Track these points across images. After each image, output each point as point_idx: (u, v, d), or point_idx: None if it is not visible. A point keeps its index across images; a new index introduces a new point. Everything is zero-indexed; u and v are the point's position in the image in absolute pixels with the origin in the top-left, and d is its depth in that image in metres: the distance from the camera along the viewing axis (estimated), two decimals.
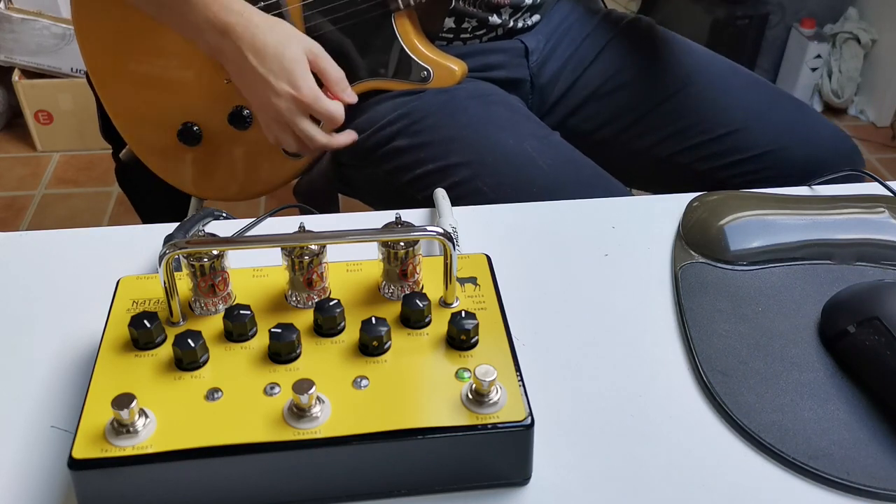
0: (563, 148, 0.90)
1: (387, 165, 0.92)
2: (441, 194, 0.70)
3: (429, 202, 0.71)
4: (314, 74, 0.85)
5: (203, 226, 0.68)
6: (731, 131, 0.95)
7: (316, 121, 0.87)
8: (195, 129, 0.96)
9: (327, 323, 0.51)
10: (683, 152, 0.97)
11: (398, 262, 0.54)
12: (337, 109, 0.86)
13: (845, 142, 0.95)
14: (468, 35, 0.97)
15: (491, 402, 0.47)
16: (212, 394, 0.47)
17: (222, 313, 0.52)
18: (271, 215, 0.70)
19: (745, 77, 1.00)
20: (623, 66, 1.01)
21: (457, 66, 0.93)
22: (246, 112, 0.95)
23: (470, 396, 0.47)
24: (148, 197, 1.10)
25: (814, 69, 2.39)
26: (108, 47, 0.95)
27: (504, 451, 0.48)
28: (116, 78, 0.96)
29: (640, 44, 1.02)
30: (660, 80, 0.99)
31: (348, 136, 0.91)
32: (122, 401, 0.44)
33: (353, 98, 0.89)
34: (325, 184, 1.02)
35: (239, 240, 0.54)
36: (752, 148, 0.94)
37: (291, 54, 0.82)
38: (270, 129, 0.88)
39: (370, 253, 0.56)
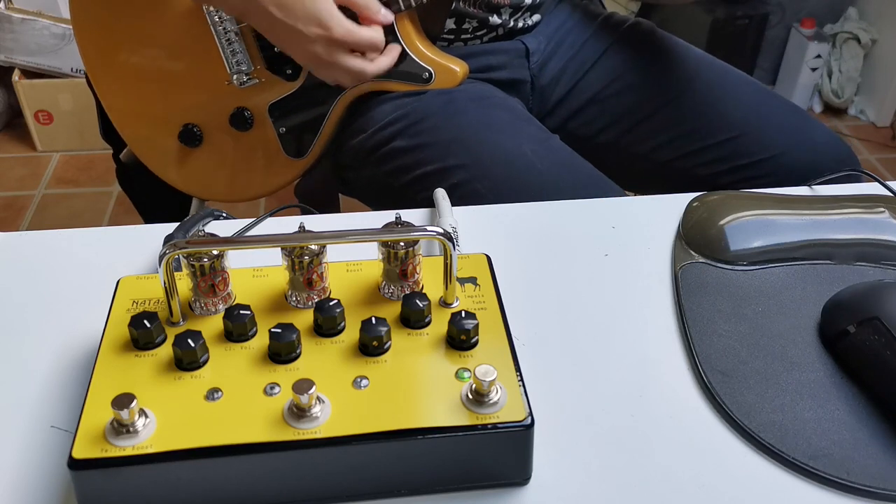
0: (562, 151, 0.90)
1: (386, 166, 0.92)
2: (441, 194, 0.70)
3: (428, 203, 0.71)
4: (344, 7, 0.83)
5: (203, 226, 0.68)
6: (731, 137, 0.95)
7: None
8: (196, 130, 0.96)
9: (327, 323, 0.51)
10: (683, 157, 0.97)
11: (398, 262, 0.54)
12: (374, 36, 0.85)
13: (842, 147, 0.96)
14: (469, 36, 0.97)
15: (491, 402, 0.47)
16: (212, 394, 0.47)
17: (222, 313, 0.52)
18: (271, 215, 0.70)
19: (743, 82, 1.00)
20: (624, 70, 1.01)
21: (458, 67, 0.92)
22: (247, 113, 0.95)
23: (470, 396, 0.47)
24: (149, 197, 1.10)
25: (814, 69, 2.39)
26: (107, 49, 0.95)
27: (504, 451, 0.48)
28: (116, 80, 0.96)
29: (640, 48, 1.02)
30: (660, 85, 0.99)
31: (391, 56, 0.89)
32: (122, 401, 0.44)
33: (388, 17, 0.87)
34: (326, 184, 1.02)
35: (239, 240, 0.54)
36: (751, 153, 0.94)
37: None
38: (319, 73, 0.88)
39: (370, 253, 0.56)
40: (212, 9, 0.90)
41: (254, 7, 0.82)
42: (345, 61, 0.84)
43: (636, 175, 1.02)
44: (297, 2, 0.81)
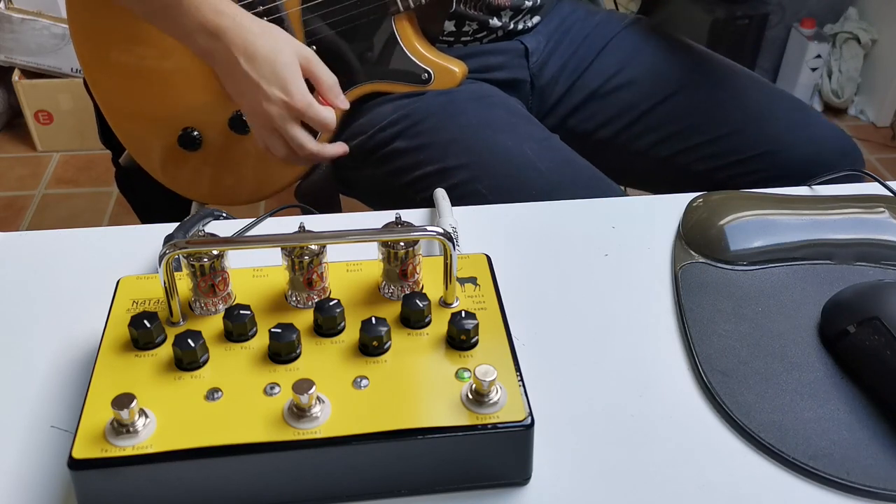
0: (562, 150, 0.90)
1: (386, 167, 0.92)
2: (441, 194, 0.70)
3: (428, 203, 0.71)
4: (307, 81, 0.84)
5: (203, 226, 0.68)
6: (731, 132, 0.95)
7: (308, 128, 0.86)
8: (195, 134, 0.96)
9: (327, 323, 0.51)
10: (683, 153, 0.97)
11: (398, 262, 0.54)
12: (329, 116, 0.84)
13: (845, 141, 0.95)
14: (468, 38, 0.97)
15: (491, 402, 0.47)
16: (212, 394, 0.47)
17: (222, 313, 0.52)
18: (271, 215, 0.70)
19: (744, 77, 1.00)
20: (623, 66, 1.01)
21: (457, 68, 0.92)
22: None
23: (470, 396, 0.47)
24: (148, 201, 1.10)
25: (814, 69, 2.39)
26: (104, 53, 0.94)
27: (504, 451, 0.48)
28: (114, 84, 0.96)
29: (640, 44, 1.02)
30: (660, 81, 0.99)
31: (339, 148, 0.90)
32: (122, 401, 0.44)
33: (345, 104, 0.87)
34: (327, 185, 1.02)
35: (239, 240, 0.54)
36: (751, 149, 0.94)
37: (284, 59, 0.81)
38: (260, 134, 0.87)
39: (370, 253, 0.56)
40: None
41: (222, 51, 0.81)
42: (293, 131, 0.84)
43: (635, 171, 1.02)
44: (267, 60, 0.80)
